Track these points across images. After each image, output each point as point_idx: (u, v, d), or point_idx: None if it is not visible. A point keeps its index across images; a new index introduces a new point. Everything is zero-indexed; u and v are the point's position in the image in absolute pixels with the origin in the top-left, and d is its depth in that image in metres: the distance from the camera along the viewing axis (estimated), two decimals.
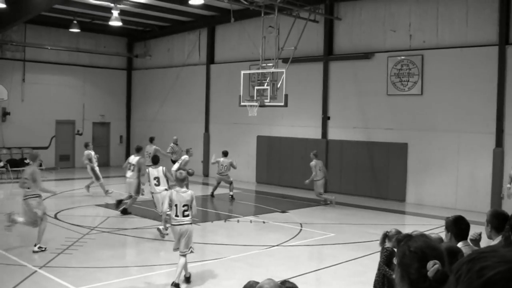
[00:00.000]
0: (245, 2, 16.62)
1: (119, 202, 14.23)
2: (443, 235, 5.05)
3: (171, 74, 25.09)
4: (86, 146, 17.67)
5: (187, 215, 8.44)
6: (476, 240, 5.25)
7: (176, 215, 8.42)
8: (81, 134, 25.42)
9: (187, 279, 8.65)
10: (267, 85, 16.16)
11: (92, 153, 17.24)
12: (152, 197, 12.54)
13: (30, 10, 18.43)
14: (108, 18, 19.83)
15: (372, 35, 18.30)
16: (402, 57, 17.39)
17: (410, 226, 13.75)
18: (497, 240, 4.72)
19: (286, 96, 15.82)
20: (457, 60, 16.21)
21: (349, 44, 18.88)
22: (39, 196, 10.23)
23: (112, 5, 18.90)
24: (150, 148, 18.12)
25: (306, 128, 19.88)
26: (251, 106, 16.41)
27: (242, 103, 16.74)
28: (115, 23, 19.42)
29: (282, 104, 15.89)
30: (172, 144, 19.30)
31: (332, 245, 11.53)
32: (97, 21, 22.86)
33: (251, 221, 13.91)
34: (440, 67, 16.61)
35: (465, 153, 16.09)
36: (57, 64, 24.57)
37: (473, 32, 16.01)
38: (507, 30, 15.33)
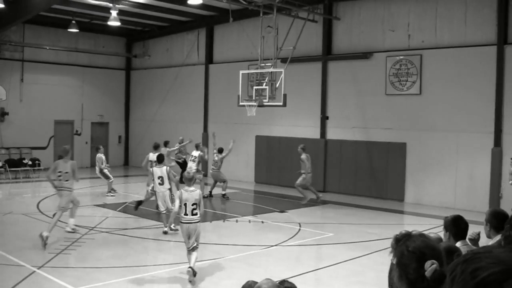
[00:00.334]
0: (244, 2, 16.62)
1: (139, 203, 14.11)
2: (442, 234, 5.05)
3: (170, 74, 25.08)
4: (98, 149, 17.72)
5: (196, 214, 8.66)
6: (475, 240, 5.24)
7: (185, 214, 8.63)
8: (79, 134, 25.41)
9: (192, 270, 8.56)
10: (265, 85, 16.13)
11: (103, 157, 17.35)
12: (155, 196, 12.53)
13: (29, 10, 18.42)
14: (107, 18, 19.82)
15: (371, 35, 18.30)
16: (401, 57, 17.40)
17: (409, 226, 13.75)
18: (496, 239, 4.72)
19: (284, 96, 15.82)
20: (456, 60, 16.22)
21: (348, 44, 18.88)
22: (72, 190, 11.39)
23: (110, 5, 18.88)
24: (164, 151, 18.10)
25: (305, 128, 19.88)
26: (249, 106, 16.40)
27: (240, 103, 16.73)
28: (114, 23, 19.42)
29: (281, 104, 15.89)
30: (177, 144, 19.34)
31: (331, 245, 11.53)
32: (96, 21, 22.84)
33: (249, 221, 13.92)
34: (439, 67, 16.61)
35: (463, 152, 16.11)
36: (56, 64, 24.54)
37: (472, 32, 16.03)
38: (505, 30, 15.34)
